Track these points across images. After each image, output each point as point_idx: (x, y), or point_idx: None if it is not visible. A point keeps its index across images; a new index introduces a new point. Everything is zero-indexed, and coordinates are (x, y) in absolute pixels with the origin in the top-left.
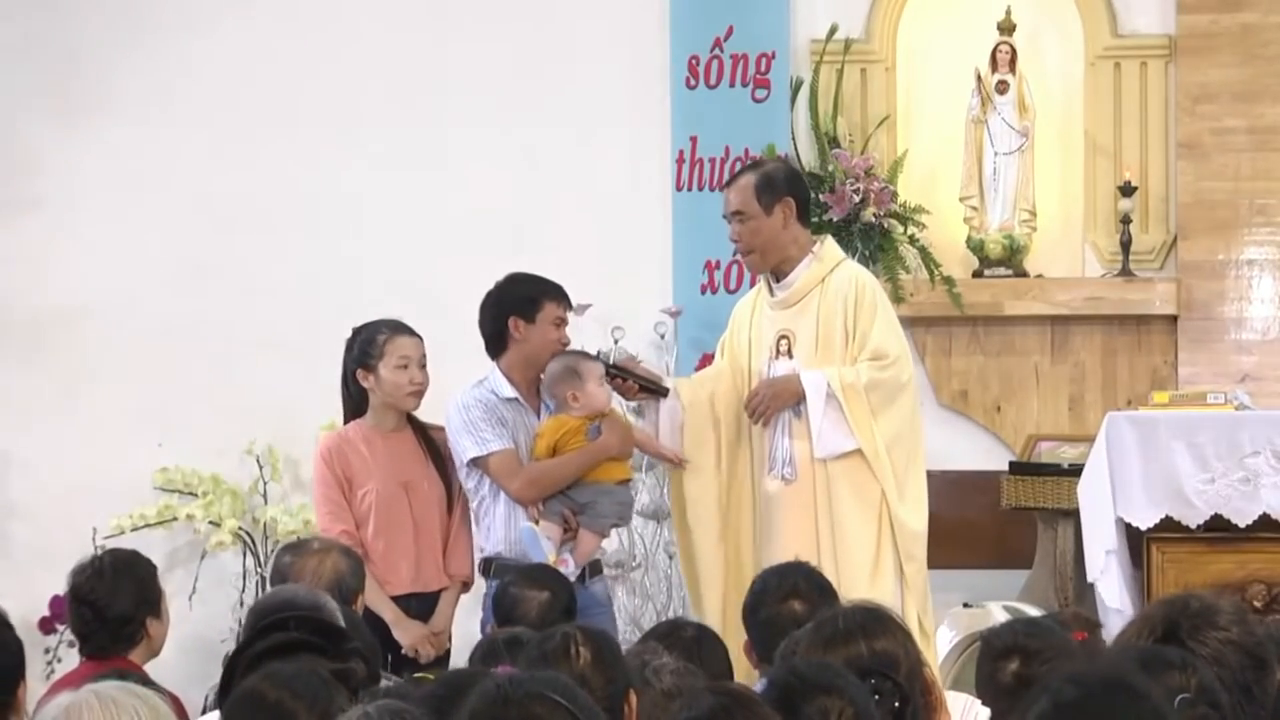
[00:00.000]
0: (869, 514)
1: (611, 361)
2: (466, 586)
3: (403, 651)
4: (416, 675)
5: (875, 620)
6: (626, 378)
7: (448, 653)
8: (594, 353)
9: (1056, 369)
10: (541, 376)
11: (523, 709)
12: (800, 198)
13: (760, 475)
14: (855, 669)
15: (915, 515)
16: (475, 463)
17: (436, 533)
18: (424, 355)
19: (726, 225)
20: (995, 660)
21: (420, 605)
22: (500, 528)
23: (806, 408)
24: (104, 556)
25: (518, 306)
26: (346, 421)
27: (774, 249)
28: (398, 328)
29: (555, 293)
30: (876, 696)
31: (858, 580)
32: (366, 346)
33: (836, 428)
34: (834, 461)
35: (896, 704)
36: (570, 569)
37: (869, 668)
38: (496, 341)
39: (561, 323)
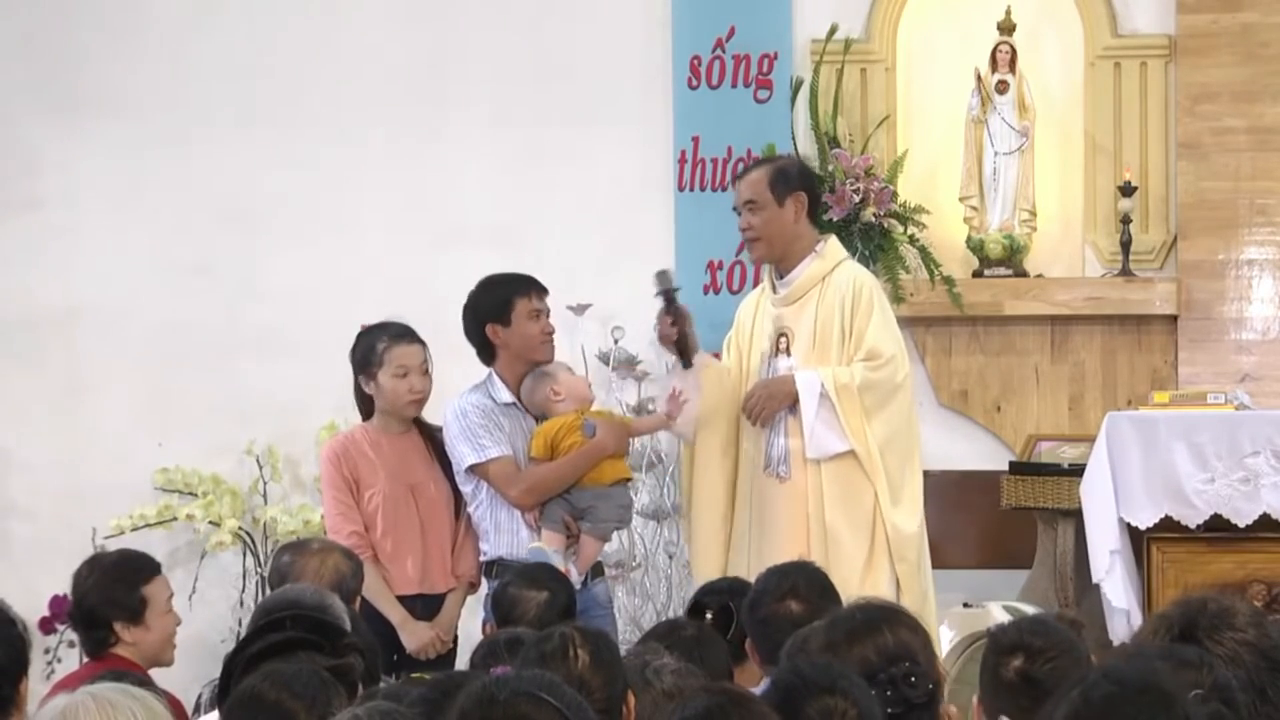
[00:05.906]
0: (861, 515)
1: (675, 298)
2: (473, 588)
3: (408, 653)
4: (414, 675)
5: (894, 612)
6: (675, 319)
7: (451, 653)
8: (657, 274)
9: (1056, 369)
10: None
11: (509, 708)
12: (812, 194)
13: (756, 473)
14: (882, 658)
15: (908, 517)
16: (474, 470)
17: (444, 534)
18: (425, 362)
19: (730, 226)
20: (1000, 656)
21: (426, 606)
22: (504, 532)
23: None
24: (96, 555)
25: (491, 312)
26: (364, 419)
27: (781, 241)
28: (399, 335)
29: (524, 287)
30: (912, 680)
31: (849, 581)
32: (367, 353)
33: (829, 429)
34: (827, 462)
35: (931, 686)
36: (574, 578)
37: (895, 655)
38: (484, 350)
39: (538, 313)
